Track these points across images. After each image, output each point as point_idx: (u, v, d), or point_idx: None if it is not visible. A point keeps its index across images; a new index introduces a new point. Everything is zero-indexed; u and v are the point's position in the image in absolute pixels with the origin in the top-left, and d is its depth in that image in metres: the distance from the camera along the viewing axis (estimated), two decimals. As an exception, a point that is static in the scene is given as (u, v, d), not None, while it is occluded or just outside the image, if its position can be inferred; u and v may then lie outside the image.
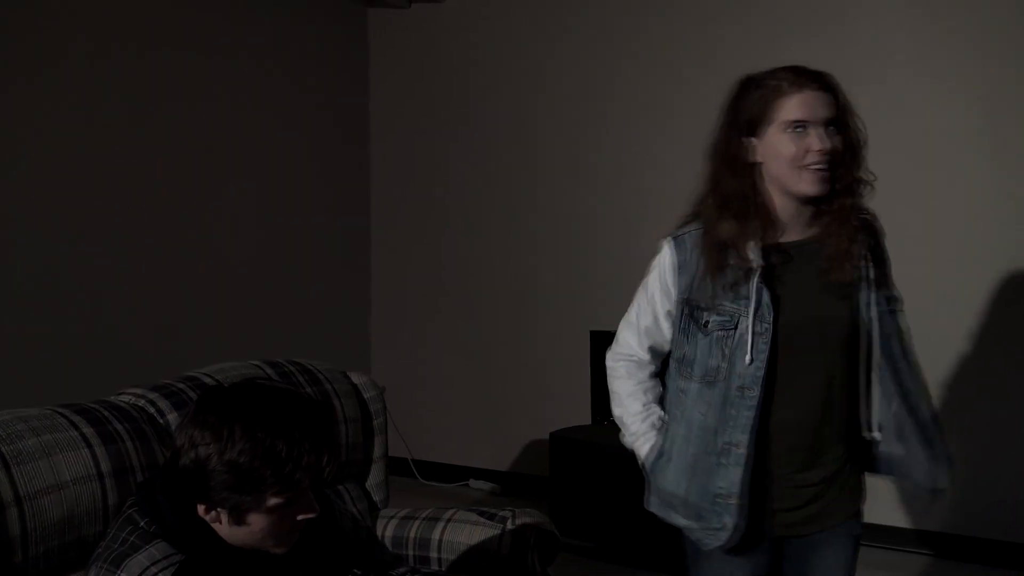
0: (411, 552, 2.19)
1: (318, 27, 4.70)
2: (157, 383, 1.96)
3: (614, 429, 3.82)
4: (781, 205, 1.67)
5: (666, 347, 1.80)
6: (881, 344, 1.67)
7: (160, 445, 1.78)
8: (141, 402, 1.88)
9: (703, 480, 1.67)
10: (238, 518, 1.34)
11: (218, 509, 1.34)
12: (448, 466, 4.83)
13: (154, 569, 1.29)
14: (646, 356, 1.81)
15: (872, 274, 1.67)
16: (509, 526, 2.13)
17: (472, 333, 4.77)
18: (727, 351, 1.65)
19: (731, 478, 1.65)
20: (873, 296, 1.67)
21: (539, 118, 4.53)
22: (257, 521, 1.35)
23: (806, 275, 1.67)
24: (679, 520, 1.73)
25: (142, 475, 1.70)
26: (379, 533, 2.26)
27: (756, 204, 1.65)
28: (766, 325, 1.62)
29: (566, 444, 3.84)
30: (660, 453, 1.75)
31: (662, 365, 1.84)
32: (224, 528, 1.36)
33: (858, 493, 1.79)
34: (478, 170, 4.72)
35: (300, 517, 1.38)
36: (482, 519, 2.17)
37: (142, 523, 1.34)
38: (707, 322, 1.67)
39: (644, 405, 1.80)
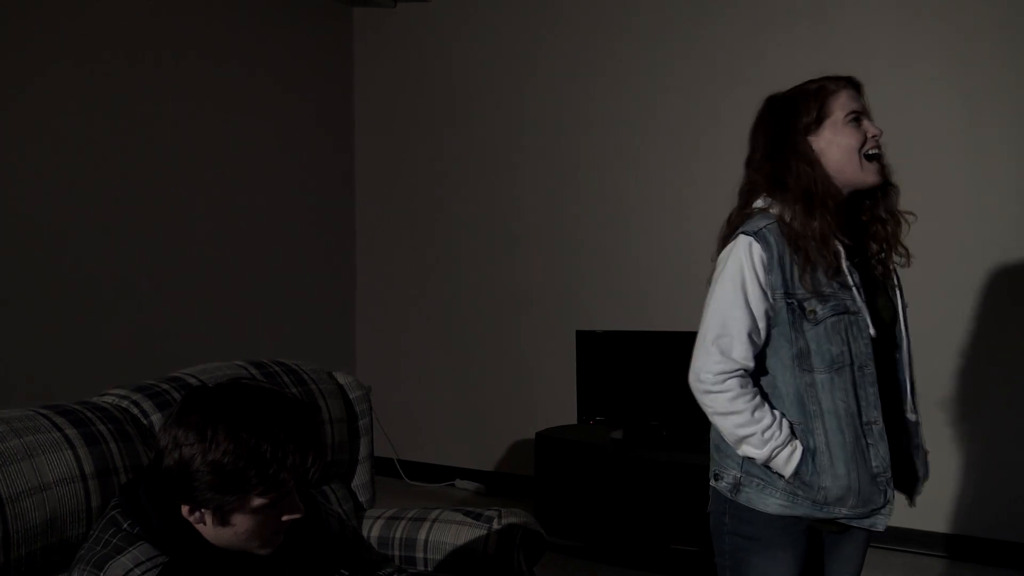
0: (397, 552, 2.19)
1: (303, 27, 4.68)
2: (141, 384, 1.95)
3: (600, 429, 3.86)
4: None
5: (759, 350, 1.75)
6: (907, 337, 1.80)
7: (144, 446, 1.77)
8: (125, 403, 1.87)
9: (863, 465, 1.69)
10: (222, 519, 1.34)
11: (202, 510, 1.33)
12: (434, 466, 4.82)
13: (137, 571, 1.28)
14: (752, 364, 1.70)
15: (897, 269, 1.81)
16: (495, 526, 2.13)
17: (458, 333, 4.77)
18: (843, 335, 1.69)
19: (881, 455, 1.71)
20: (899, 290, 1.81)
21: (525, 118, 4.53)
22: (242, 522, 1.34)
23: (862, 265, 1.78)
24: (842, 512, 1.70)
25: (126, 476, 1.69)
26: (365, 533, 2.25)
27: (833, 193, 1.72)
28: (861, 304, 1.71)
29: (552, 444, 3.84)
30: (813, 454, 1.69)
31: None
32: (208, 529, 1.35)
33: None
34: (464, 170, 4.72)
35: (285, 518, 1.37)
36: (468, 519, 2.17)
37: (125, 525, 1.33)
38: (814, 311, 1.68)
39: (772, 415, 1.69)
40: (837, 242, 1.69)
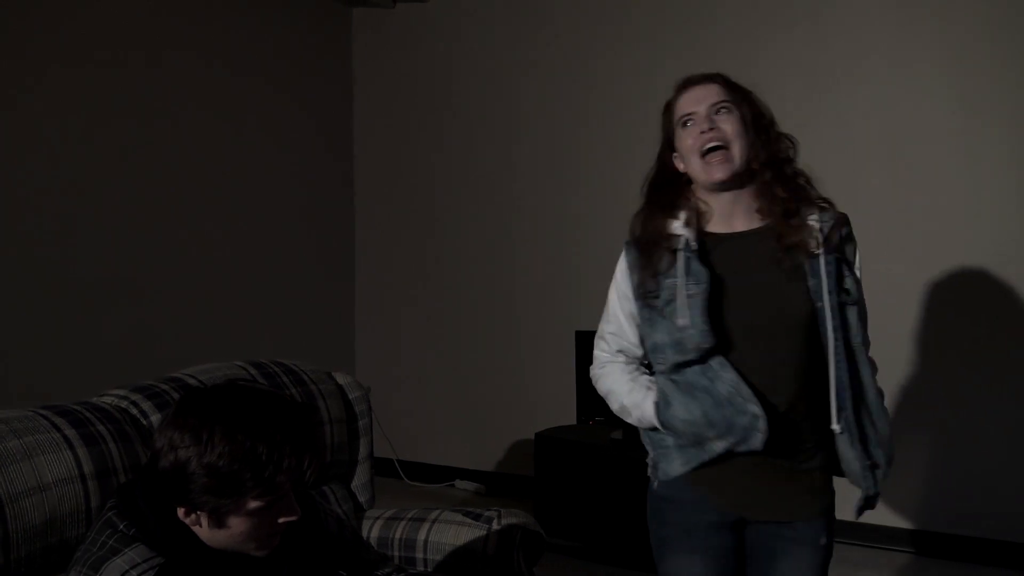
0: (397, 553, 2.19)
1: (302, 27, 4.68)
2: (140, 384, 1.95)
3: (599, 429, 3.85)
4: (712, 201, 1.76)
5: (636, 350, 1.85)
6: (833, 335, 1.67)
7: (143, 447, 1.77)
8: (124, 403, 1.87)
9: (707, 395, 1.68)
10: (218, 521, 1.33)
11: (198, 512, 1.33)
12: (433, 466, 4.82)
13: (133, 573, 1.27)
14: (632, 353, 1.87)
15: (825, 262, 1.68)
16: (495, 526, 2.13)
17: (457, 334, 4.77)
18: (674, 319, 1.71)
19: (727, 378, 1.66)
20: (826, 284, 1.67)
21: (524, 118, 4.53)
22: (237, 524, 1.34)
23: (753, 261, 1.72)
24: (719, 446, 1.70)
25: (125, 477, 1.69)
26: (364, 534, 2.25)
27: (682, 198, 1.77)
28: (700, 287, 1.68)
29: (551, 444, 3.84)
30: (663, 403, 1.75)
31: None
32: (204, 531, 1.35)
33: (824, 494, 1.77)
34: (462, 170, 4.72)
35: (281, 520, 1.37)
36: (468, 519, 2.17)
37: (121, 526, 1.33)
38: (657, 308, 1.74)
39: (630, 375, 1.85)
40: (680, 233, 1.73)
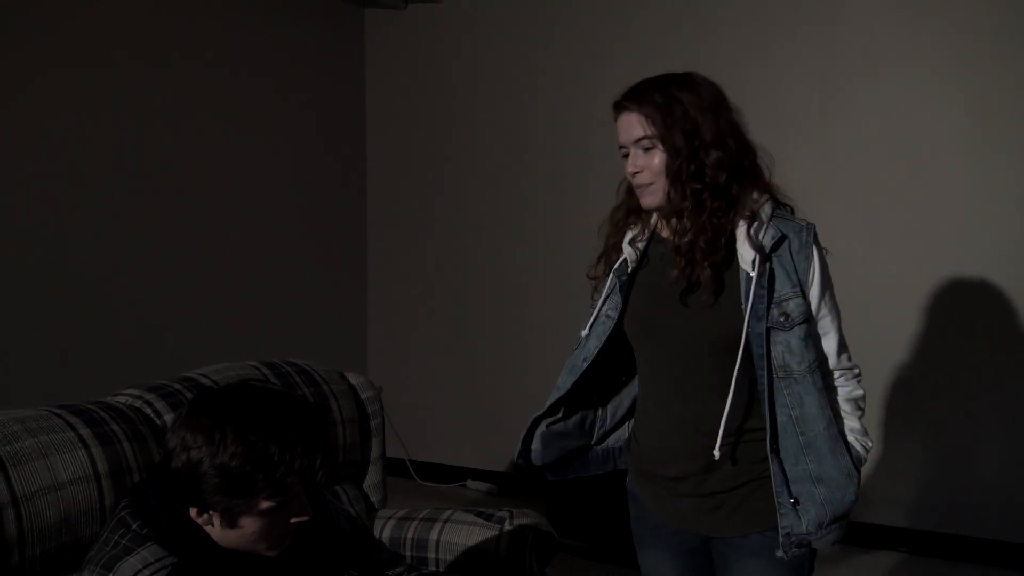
0: (409, 553, 2.19)
1: (314, 27, 4.70)
2: (154, 384, 1.96)
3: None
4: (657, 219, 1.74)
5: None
6: (743, 358, 1.59)
7: (157, 446, 1.77)
8: (138, 403, 1.88)
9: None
10: (230, 521, 1.34)
11: (210, 512, 1.33)
12: (445, 466, 4.82)
13: (146, 572, 1.28)
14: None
15: (755, 283, 1.57)
16: (507, 526, 2.13)
17: (469, 333, 4.77)
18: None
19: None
20: (750, 307, 1.57)
21: (536, 118, 4.53)
22: (249, 524, 1.34)
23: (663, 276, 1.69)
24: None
25: (139, 476, 1.70)
26: (377, 534, 2.25)
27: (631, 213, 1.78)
28: (613, 310, 1.74)
29: (563, 444, 3.84)
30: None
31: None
32: (216, 531, 1.35)
33: (763, 513, 1.64)
34: (475, 171, 4.72)
35: (293, 520, 1.37)
36: (480, 519, 2.17)
37: (134, 526, 1.34)
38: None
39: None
40: (612, 255, 1.79)
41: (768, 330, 1.58)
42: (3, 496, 1.51)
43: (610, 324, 1.74)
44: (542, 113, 4.51)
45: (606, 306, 1.76)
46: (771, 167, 1.68)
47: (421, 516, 2.24)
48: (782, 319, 1.58)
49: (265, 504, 1.32)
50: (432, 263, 4.88)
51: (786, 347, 1.58)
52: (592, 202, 4.36)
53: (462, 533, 2.16)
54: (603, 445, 1.93)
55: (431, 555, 2.17)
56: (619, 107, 1.69)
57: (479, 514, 2.20)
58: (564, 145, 4.45)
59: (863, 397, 1.69)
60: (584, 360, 1.78)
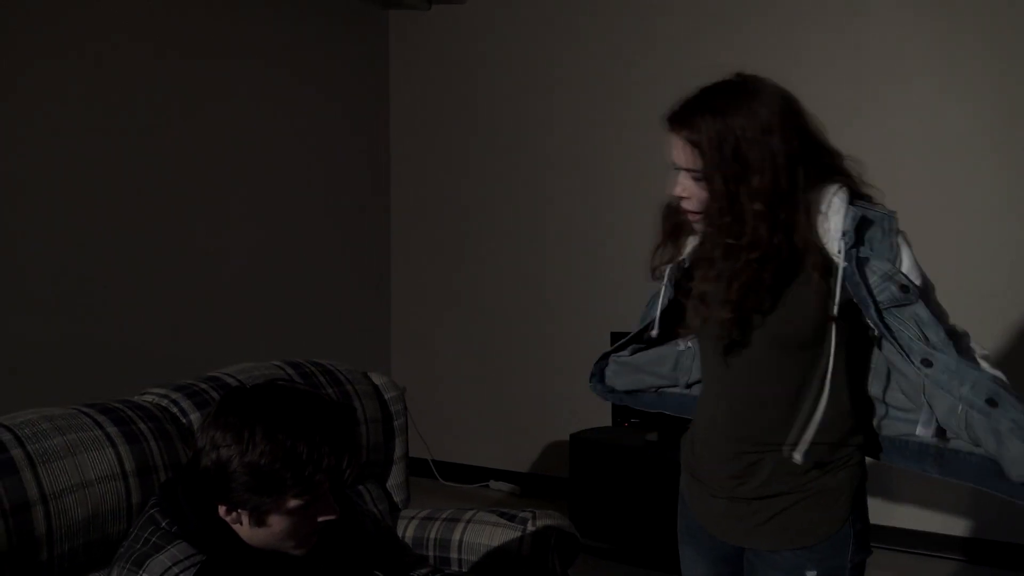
0: (432, 553, 2.20)
1: (338, 29, 4.72)
2: (180, 383, 1.98)
3: (634, 431, 3.83)
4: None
5: None
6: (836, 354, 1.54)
7: (183, 444, 1.79)
8: (164, 402, 1.90)
9: None
10: (259, 519, 1.35)
11: (239, 511, 1.34)
12: (468, 467, 4.83)
13: (176, 569, 1.29)
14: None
15: (849, 271, 1.49)
16: (530, 527, 2.13)
17: (492, 334, 4.77)
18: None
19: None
20: (853, 299, 1.51)
21: (559, 120, 4.52)
22: (277, 523, 1.35)
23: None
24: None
25: (165, 474, 1.71)
26: (400, 534, 2.26)
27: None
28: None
29: (586, 445, 3.83)
30: None
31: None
32: (245, 529, 1.36)
33: (809, 527, 1.58)
34: (497, 171, 4.72)
35: (320, 519, 1.38)
36: (502, 520, 2.17)
37: (163, 523, 1.35)
38: None
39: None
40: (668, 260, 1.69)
41: (882, 312, 1.47)
42: (32, 493, 1.52)
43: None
44: (565, 114, 4.50)
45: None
46: (861, 170, 1.58)
47: (444, 516, 2.25)
48: (902, 293, 1.47)
49: (293, 503, 1.33)
50: (455, 264, 4.89)
51: (917, 320, 1.47)
52: (617, 204, 4.38)
53: (485, 534, 2.16)
54: (689, 392, 1.90)
55: (454, 555, 2.17)
56: (668, 124, 1.57)
57: (502, 515, 2.20)
58: (588, 146, 4.44)
59: None
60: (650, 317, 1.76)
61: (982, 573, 3.52)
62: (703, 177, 1.50)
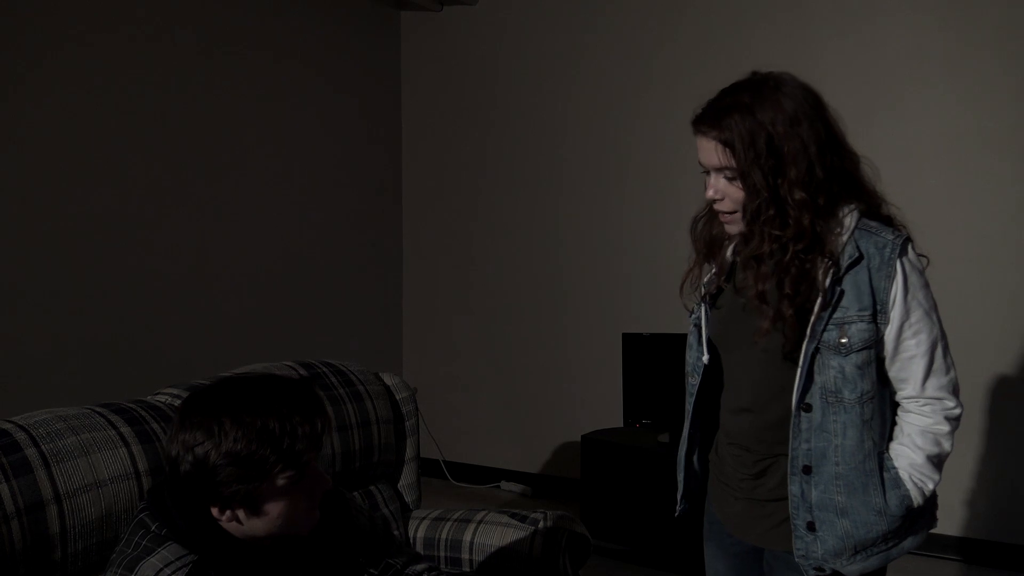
0: (443, 553, 2.20)
1: (350, 30, 4.73)
2: (192, 383, 1.98)
3: (646, 432, 3.82)
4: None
5: None
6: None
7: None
8: (176, 402, 1.91)
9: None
10: (254, 510, 1.35)
11: (233, 508, 1.34)
12: (479, 468, 4.83)
13: (167, 571, 1.30)
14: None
15: (819, 303, 1.50)
16: (541, 528, 2.13)
17: (504, 335, 4.78)
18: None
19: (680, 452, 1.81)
20: (810, 325, 1.51)
21: (571, 121, 4.52)
22: (273, 507, 1.36)
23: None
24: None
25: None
26: (411, 534, 2.26)
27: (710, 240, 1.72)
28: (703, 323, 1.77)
29: (598, 446, 3.83)
30: None
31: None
32: (245, 525, 1.36)
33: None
34: (509, 172, 4.73)
35: (315, 490, 1.39)
36: (514, 521, 2.17)
37: (153, 527, 1.35)
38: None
39: None
40: (709, 269, 1.71)
41: (818, 351, 1.50)
42: (46, 492, 1.53)
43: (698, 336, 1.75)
44: (578, 114, 4.50)
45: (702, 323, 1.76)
46: (876, 175, 1.59)
47: (455, 517, 2.25)
48: (842, 343, 1.49)
49: (282, 480, 1.34)
50: (467, 265, 4.90)
51: (839, 373, 1.50)
52: (630, 204, 4.37)
53: (496, 534, 2.16)
54: None
55: (465, 556, 2.17)
56: (696, 128, 1.55)
57: (513, 515, 2.20)
58: (600, 146, 4.44)
59: (947, 435, 1.54)
60: (692, 383, 1.76)
61: (981, 573, 3.51)
62: (739, 175, 1.49)
